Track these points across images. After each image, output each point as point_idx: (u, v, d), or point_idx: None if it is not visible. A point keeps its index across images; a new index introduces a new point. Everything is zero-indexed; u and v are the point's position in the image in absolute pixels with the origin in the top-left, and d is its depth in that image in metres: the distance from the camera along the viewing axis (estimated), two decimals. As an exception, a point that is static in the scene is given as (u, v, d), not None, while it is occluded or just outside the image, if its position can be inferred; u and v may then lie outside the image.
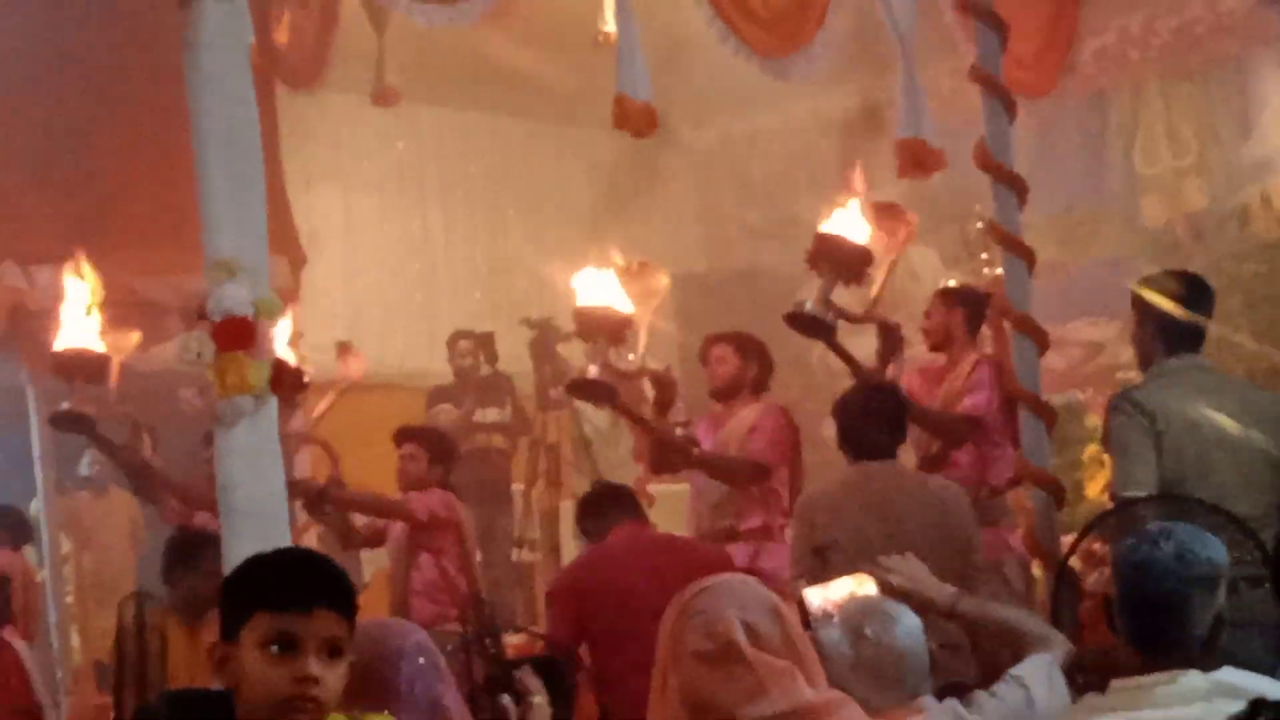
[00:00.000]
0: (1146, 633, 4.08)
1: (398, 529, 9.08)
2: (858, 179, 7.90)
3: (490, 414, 11.63)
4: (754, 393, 8.42)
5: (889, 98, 8.34)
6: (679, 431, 8.24)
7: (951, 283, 9.05)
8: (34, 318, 10.04)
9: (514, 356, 11.91)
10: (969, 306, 8.30)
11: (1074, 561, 6.54)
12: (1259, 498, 6.09)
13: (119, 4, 9.31)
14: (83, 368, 8.47)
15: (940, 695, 4.48)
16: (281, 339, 7.10)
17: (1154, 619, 4.07)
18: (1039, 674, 4.57)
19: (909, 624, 4.44)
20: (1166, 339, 6.35)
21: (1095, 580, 7.25)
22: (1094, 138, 13.21)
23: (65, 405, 8.46)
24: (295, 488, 7.96)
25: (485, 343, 11.83)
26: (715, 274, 14.60)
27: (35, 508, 10.89)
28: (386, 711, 3.67)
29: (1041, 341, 7.10)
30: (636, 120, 6.81)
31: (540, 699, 3.86)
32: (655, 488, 9.29)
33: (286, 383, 5.15)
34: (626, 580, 6.89)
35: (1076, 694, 4.53)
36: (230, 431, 5.01)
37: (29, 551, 10.68)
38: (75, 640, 10.99)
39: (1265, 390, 6.91)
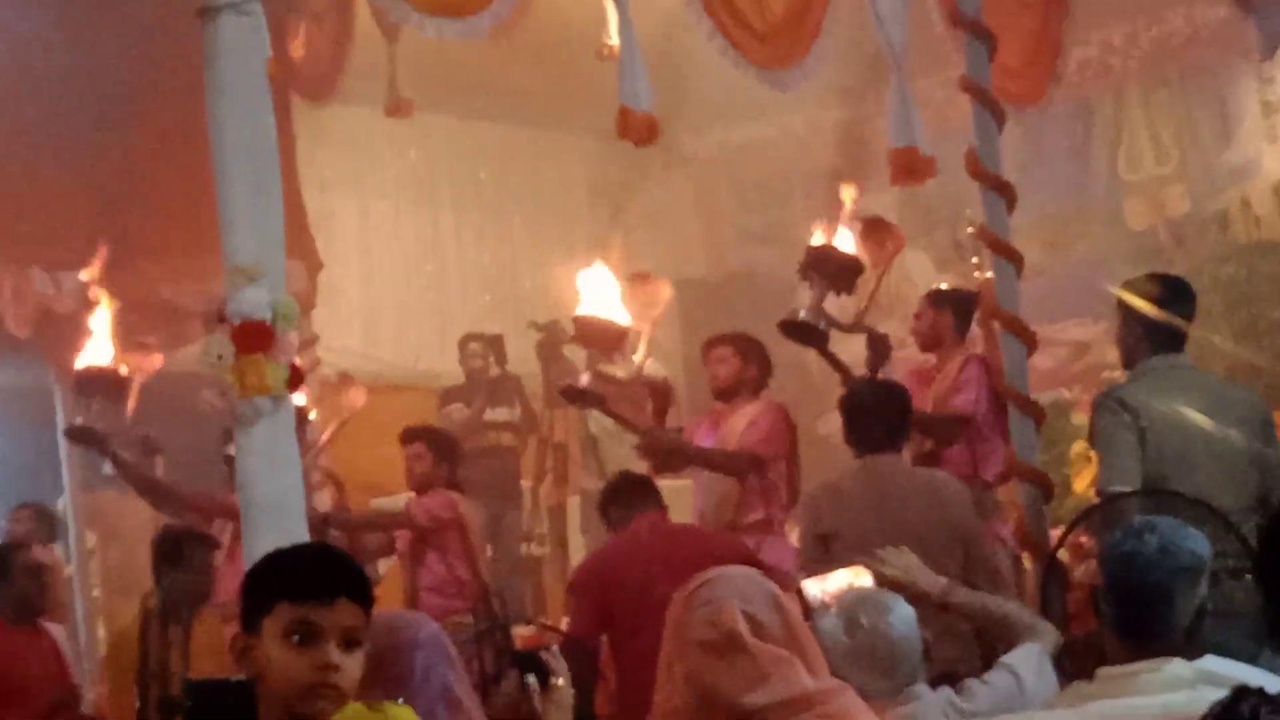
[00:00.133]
0: (1132, 623, 4.08)
1: (405, 534, 9.09)
2: (849, 195, 7.93)
3: (500, 413, 11.63)
4: (753, 392, 8.42)
5: (881, 108, 8.34)
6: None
7: (943, 286, 9.06)
8: (61, 322, 10.05)
9: (522, 358, 11.92)
10: (957, 307, 8.32)
11: (1062, 554, 6.54)
12: (1239, 492, 6.09)
13: (144, 20, 9.30)
14: (102, 387, 8.55)
15: (934, 684, 4.48)
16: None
17: (1139, 609, 4.07)
18: (1029, 662, 4.58)
19: (903, 613, 4.44)
20: (1149, 339, 6.34)
21: (1083, 572, 7.28)
22: (1079, 145, 13.21)
23: (79, 420, 8.51)
24: None
25: (495, 344, 11.84)
26: (714, 277, 14.60)
27: (62, 504, 10.90)
28: (400, 701, 3.67)
29: (1030, 342, 7.10)
30: (638, 130, 6.81)
31: (563, 681, 3.85)
32: (661, 483, 9.29)
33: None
34: (646, 570, 6.87)
35: (1065, 681, 4.53)
36: (249, 431, 5.02)
37: (57, 547, 10.68)
38: (101, 632, 10.98)
39: (1244, 389, 6.91)
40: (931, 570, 5.17)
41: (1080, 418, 10.57)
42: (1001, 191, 7.20)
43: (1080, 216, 13.17)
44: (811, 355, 8.60)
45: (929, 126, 8.01)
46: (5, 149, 9.45)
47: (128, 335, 9.00)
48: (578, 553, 10.77)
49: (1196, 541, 4.16)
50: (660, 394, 8.41)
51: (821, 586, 4.86)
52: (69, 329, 9.56)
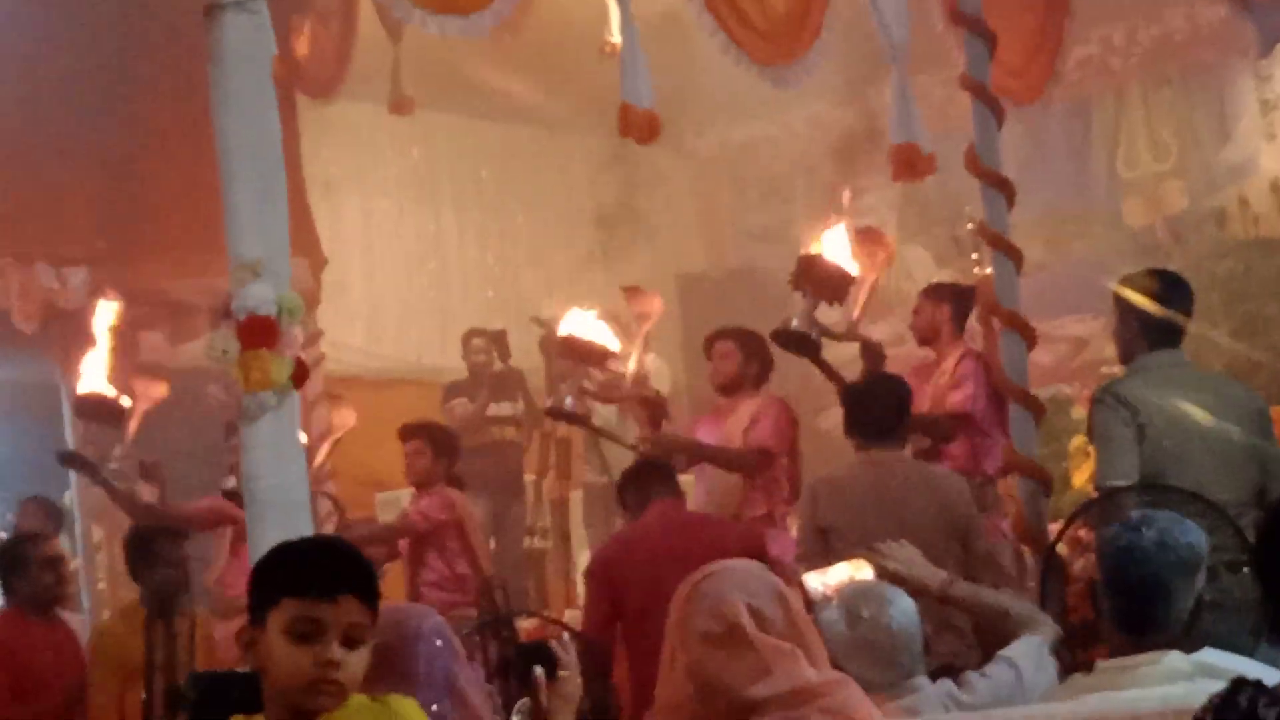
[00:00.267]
0: (1130, 616, 4.09)
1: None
2: (845, 202, 7.96)
3: (503, 408, 11.62)
4: (755, 387, 8.42)
5: (882, 105, 8.34)
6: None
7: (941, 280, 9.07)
8: (66, 317, 10.06)
9: (525, 352, 11.91)
10: (954, 302, 8.33)
11: (1061, 548, 6.54)
12: (1237, 486, 6.08)
13: (149, 18, 9.31)
14: (101, 414, 8.60)
15: (934, 676, 4.49)
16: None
17: (1137, 602, 4.08)
18: (1029, 655, 4.58)
19: (903, 606, 4.45)
20: (1147, 335, 6.34)
21: (1082, 566, 7.27)
22: (1079, 143, 13.21)
23: (70, 446, 8.56)
24: None
25: (498, 339, 11.82)
26: (715, 274, 14.63)
27: (69, 499, 10.91)
28: (405, 693, 3.67)
29: (1029, 338, 7.09)
30: (640, 128, 6.81)
31: (571, 672, 3.85)
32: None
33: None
34: (658, 558, 6.85)
35: (1064, 674, 4.53)
36: (254, 425, 5.01)
37: (62, 540, 10.68)
38: (107, 625, 10.99)
39: (1241, 385, 6.90)
40: (931, 564, 5.18)
41: (1079, 412, 10.57)
42: (1001, 188, 7.20)
43: (1079, 213, 13.16)
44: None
45: (929, 124, 8.02)
46: (11, 145, 9.47)
47: (133, 353, 9.06)
48: (580, 546, 10.78)
49: (1194, 535, 4.17)
50: (654, 407, 8.48)
51: (822, 579, 4.86)
52: (74, 324, 9.57)
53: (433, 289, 13.69)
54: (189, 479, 9.70)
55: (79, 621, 8.66)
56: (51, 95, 9.41)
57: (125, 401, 9.00)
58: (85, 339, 9.06)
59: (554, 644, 3.89)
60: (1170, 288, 6.41)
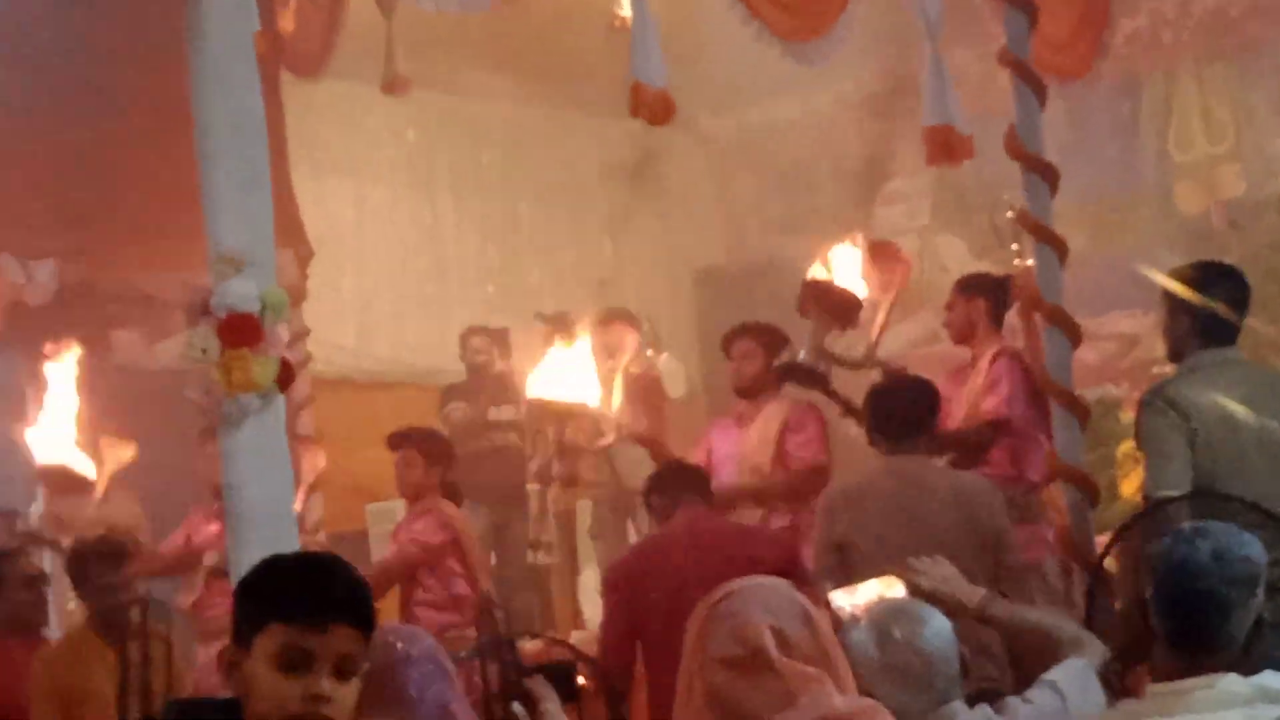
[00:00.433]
0: (1183, 635, 4.08)
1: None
2: (859, 238, 8.01)
3: (505, 412, 11.60)
4: (777, 388, 8.42)
5: (915, 84, 8.34)
6: None
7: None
8: (33, 315, 10.07)
9: (528, 352, 11.91)
10: (991, 295, 8.27)
11: (1109, 563, 6.54)
12: (1297, 494, 6.08)
13: (122, -9, 9.31)
14: (68, 486, 8.65)
15: (972, 701, 4.48)
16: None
17: (1191, 621, 4.07)
18: (1073, 678, 4.57)
19: (938, 626, 4.44)
20: (1199, 332, 6.33)
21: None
22: (1127, 123, 13.19)
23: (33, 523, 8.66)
24: None
25: (499, 338, 11.82)
26: (734, 268, 14.61)
27: (35, 510, 10.89)
28: (395, 718, 3.67)
29: (1074, 334, 7.10)
30: (652, 108, 6.81)
31: (552, 705, 3.86)
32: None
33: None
34: (680, 569, 6.86)
35: (1112, 698, 4.52)
36: (236, 431, 5.01)
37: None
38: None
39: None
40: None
41: (1128, 416, 10.53)
42: (1043, 173, 7.20)
43: (1128, 200, 13.15)
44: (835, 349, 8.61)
45: (966, 103, 8.02)
46: (-27, 130, 9.47)
47: (101, 418, 9.11)
48: (588, 561, 10.77)
49: (1252, 547, 4.16)
50: (655, 446, 8.56)
51: (851, 598, 4.86)
52: (42, 320, 9.59)
53: (430, 283, 13.68)
54: (169, 493, 9.71)
55: None
56: (9, 75, 9.40)
57: (91, 473, 9.05)
58: (54, 338, 9.09)
59: (527, 682, 3.91)
60: (1225, 280, 6.41)
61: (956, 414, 8.00)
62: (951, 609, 4.75)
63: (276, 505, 5.02)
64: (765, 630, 3.38)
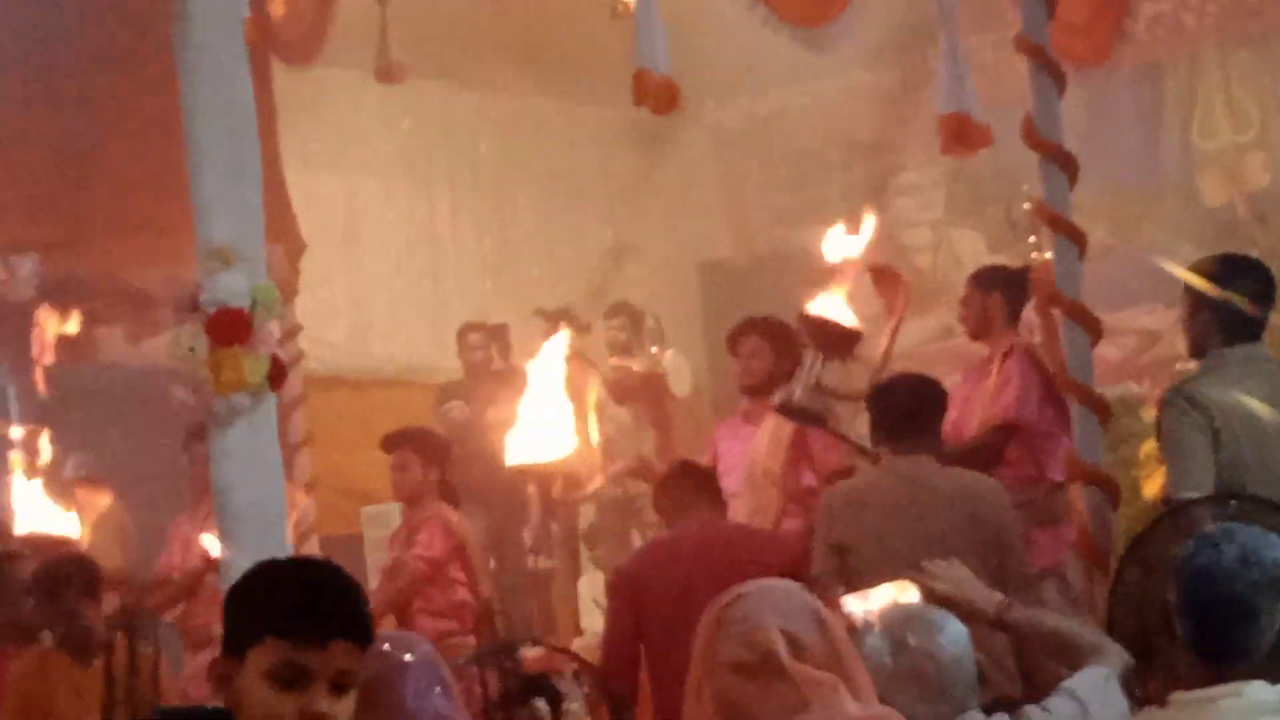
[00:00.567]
0: (1209, 642, 4.08)
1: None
2: (849, 272, 8.02)
3: (504, 411, 11.62)
4: (784, 386, 8.41)
5: (928, 71, 8.34)
6: None
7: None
8: (14, 311, 10.07)
9: (528, 350, 11.92)
10: (1007, 288, 8.26)
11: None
12: (1326, 496, 6.07)
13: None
14: (51, 549, 8.69)
15: (988, 710, 4.48)
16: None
17: (1217, 627, 4.07)
18: (1094, 687, 4.56)
19: (954, 633, 4.43)
20: (1222, 328, 6.32)
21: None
22: (1148, 111, 13.19)
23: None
24: None
25: (498, 335, 11.82)
26: (740, 261, 14.62)
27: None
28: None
29: (1094, 330, 7.09)
30: (656, 96, 6.82)
31: (577, 705, 3.88)
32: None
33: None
34: (687, 574, 6.85)
35: (1135, 707, 4.52)
36: (226, 432, 5.01)
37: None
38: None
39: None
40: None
41: (1150, 414, 10.51)
42: (1062, 163, 7.19)
43: (1149, 191, 13.15)
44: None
45: (981, 91, 8.02)
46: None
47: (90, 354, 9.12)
48: (589, 565, 10.78)
49: (1278, 550, 4.16)
50: (648, 476, 8.60)
51: (864, 603, 4.86)
52: (24, 317, 9.59)
53: (425, 278, 13.69)
54: (156, 497, 9.72)
55: None
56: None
57: (73, 529, 9.07)
58: (35, 341, 9.10)
59: (557, 678, 3.90)
60: (1248, 273, 6.40)
61: (975, 412, 8.00)
62: (967, 614, 4.75)
63: (268, 508, 5.02)
64: (776, 634, 3.38)
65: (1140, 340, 12.62)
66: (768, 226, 14.91)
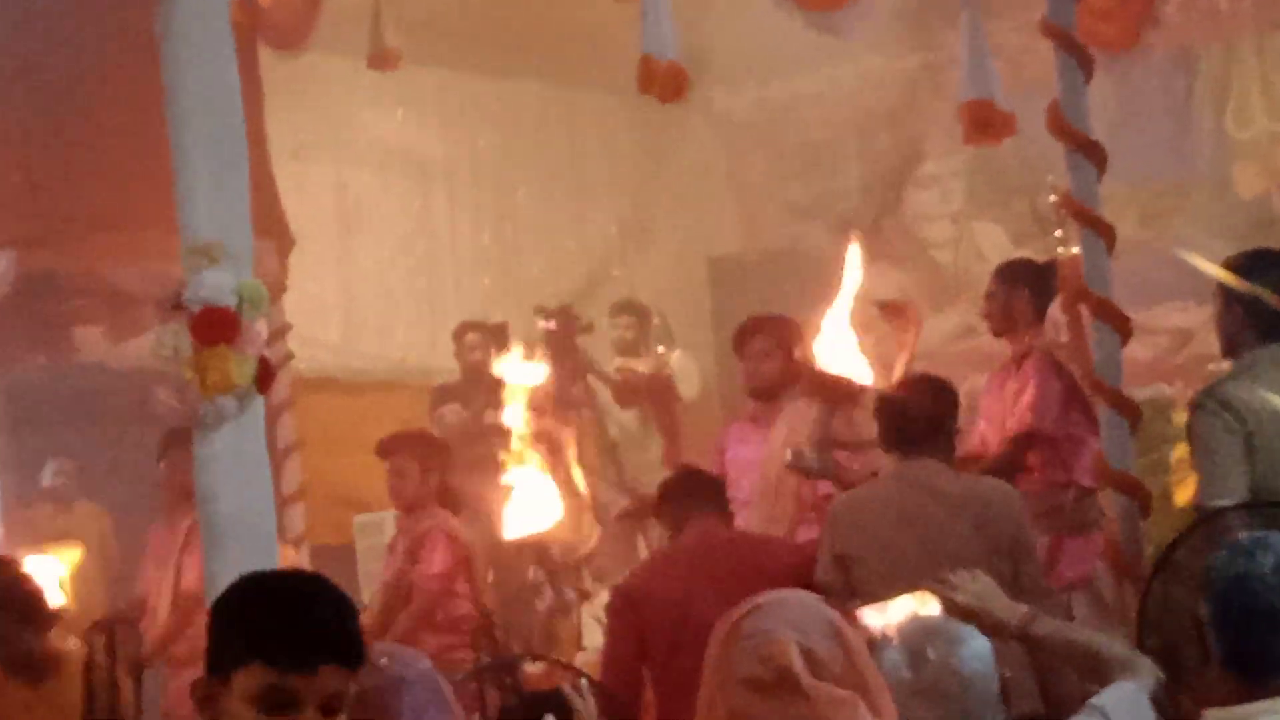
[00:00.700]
0: (1244, 654, 4.08)
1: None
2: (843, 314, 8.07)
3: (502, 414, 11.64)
4: (794, 386, 8.41)
5: (950, 55, 8.34)
6: None
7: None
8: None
9: (527, 350, 11.93)
10: (1033, 282, 8.25)
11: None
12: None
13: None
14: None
15: (1013, 727, 4.48)
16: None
17: (1252, 638, 4.07)
18: (1123, 703, 4.56)
19: (977, 647, 4.43)
20: (1256, 326, 6.32)
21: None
22: (1180, 98, 13.19)
23: None
24: None
25: (496, 335, 11.82)
26: (750, 255, 14.60)
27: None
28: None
29: (1123, 329, 7.09)
30: (663, 83, 6.82)
31: (589, 716, 3.87)
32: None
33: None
34: (686, 587, 6.84)
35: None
36: (211, 436, 5.01)
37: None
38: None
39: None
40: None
41: (1183, 417, 10.51)
42: (1089, 153, 7.19)
43: (1181, 182, 13.16)
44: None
45: (1004, 78, 8.01)
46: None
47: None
48: (590, 578, 10.78)
49: (1317, 560, 4.16)
50: (641, 516, 8.64)
51: (883, 616, 4.86)
52: (1, 313, 9.59)
53: (420, 276, 13.71)
54: (137, 502, 9.73)
55: None
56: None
57: (54, 593, 9.09)
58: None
59: (568, 691, 3.90)
60: (1283, 269, 6.40)
61: (1000, 415, 8.01)
62: (990, 627, 4.75)
63: (255, 518, 5.02)
64: (793, 649, 3.38)
65: (1172, 339, 12.62)
66: (779, 219, 14.92)
